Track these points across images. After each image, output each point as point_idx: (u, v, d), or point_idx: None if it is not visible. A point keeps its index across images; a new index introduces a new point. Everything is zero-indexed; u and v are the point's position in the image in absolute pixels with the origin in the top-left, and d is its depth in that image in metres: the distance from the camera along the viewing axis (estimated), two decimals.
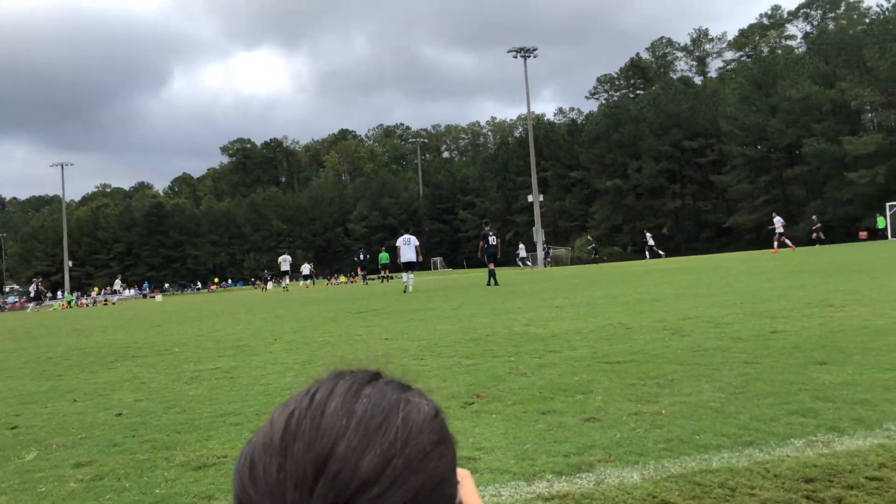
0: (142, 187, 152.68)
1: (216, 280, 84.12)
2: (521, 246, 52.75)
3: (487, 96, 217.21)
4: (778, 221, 33.93)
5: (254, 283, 79.36)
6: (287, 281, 41.47)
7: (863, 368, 4.90)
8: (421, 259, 22.58)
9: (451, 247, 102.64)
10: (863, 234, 49.72)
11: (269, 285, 52.10)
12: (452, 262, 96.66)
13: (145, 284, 78.11)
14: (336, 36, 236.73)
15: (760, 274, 16.24)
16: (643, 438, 3.62)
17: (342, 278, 55.27)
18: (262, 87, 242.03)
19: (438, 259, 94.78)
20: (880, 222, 44.54)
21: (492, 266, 21.81)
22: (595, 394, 4.72)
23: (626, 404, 4.37)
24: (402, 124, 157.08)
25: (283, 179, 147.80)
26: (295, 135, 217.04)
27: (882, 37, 53.97)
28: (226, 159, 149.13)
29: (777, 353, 5.77)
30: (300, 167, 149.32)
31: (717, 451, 3.35)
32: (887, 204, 47.05)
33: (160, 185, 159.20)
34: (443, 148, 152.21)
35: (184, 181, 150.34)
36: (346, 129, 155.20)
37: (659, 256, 44.43)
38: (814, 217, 40.47)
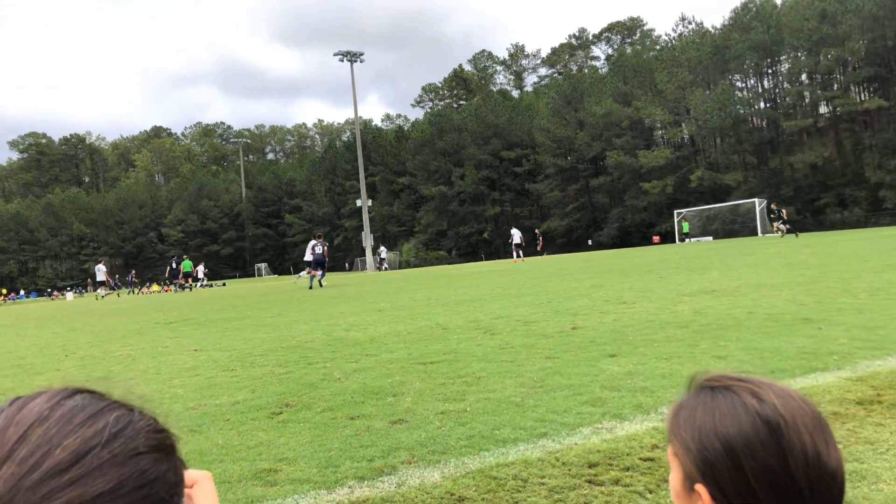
0: None
1: (3, 291, 74.35)
2: (382, 248, 53.63)
3: (312, 97, 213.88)
4: (516, 234, 37.15)
5: (49, 294, 71.23)
6: (103, 291, 38.58)
7: (645, 359, 5.40)
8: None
9: (277, 252, 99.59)
10: (656, 239, 55.52)
11: (69, 295, 47.20)
12: (278, 269, 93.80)
13: None
14: (144, 24, 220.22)
15: (568, 275, 17.47)
16: (447, 437, 3.68)
17: (155, 287, 51.36)
18: (53, 75, 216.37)
19: (263, 265, 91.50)
20: (685, 227, 49.69)
21: (318, 271, 23.71)
22: (406, 395, 4.75)
23: (435, 404, 4.43)
24: (222, 123, 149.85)
25: (87, 179, 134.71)
26: (98, 130, 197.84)
27: (670, 62, 60.74)
28: (15, 155, 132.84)
29: (576, 347, 6.19)
30: (107, 166, 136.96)
31: (515, 444, 3.49)
32: (675, 211, 52.96)
33: None
34: (268, 149, 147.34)
35: None
36: (160, 127, 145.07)
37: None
38: (537, 231, 44.36)
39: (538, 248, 46.71)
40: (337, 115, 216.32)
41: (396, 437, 3.74)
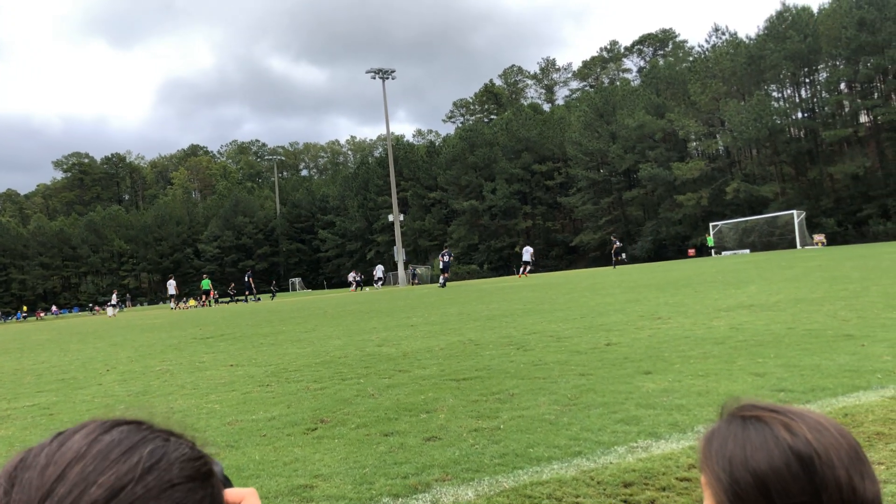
0: None
1: (44, 306, 76.28)
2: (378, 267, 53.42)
3: (342, 113, 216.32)
4: (527, 251, 37.58)
5: (91, 309, 72.98)
6: (173, 304, 42.63)
7: (681, 376, 5.33)
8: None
9: (311, 267, 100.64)
10: (691, 252, 54.72)
11: (111, 311, 48.81)
12: (312, 283, 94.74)
13: None
14: (175, 43, 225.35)
15: (602, 289, 17.31)
16: (481, 454, 3.68)
17: (192, 302, 52.30)
18: (93, 96, 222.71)
19: (297, 280, 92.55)
20: (709, 241, 49.10)
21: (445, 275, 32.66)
22: (439, 412, 4.76)
23: (468, 421, 4.44)
24: (257, 140, 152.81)
25: (127, 197, 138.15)
26: (135, 149, 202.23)
27: (703, 74, 60.08)
28: (59, 175, 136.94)
29: (610, 364, 6.14)
30: (146, 184, 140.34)
31: (549, 462, 3.48)
32: (710, 224, 52.16)
33: None
34: (301, 166, 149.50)
35: (8, 198, 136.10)
36: (197, 145, 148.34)
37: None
38: (613, 237, 43.42)
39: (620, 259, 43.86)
40: (366, 130, 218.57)
41: (430, 455, 3.75)
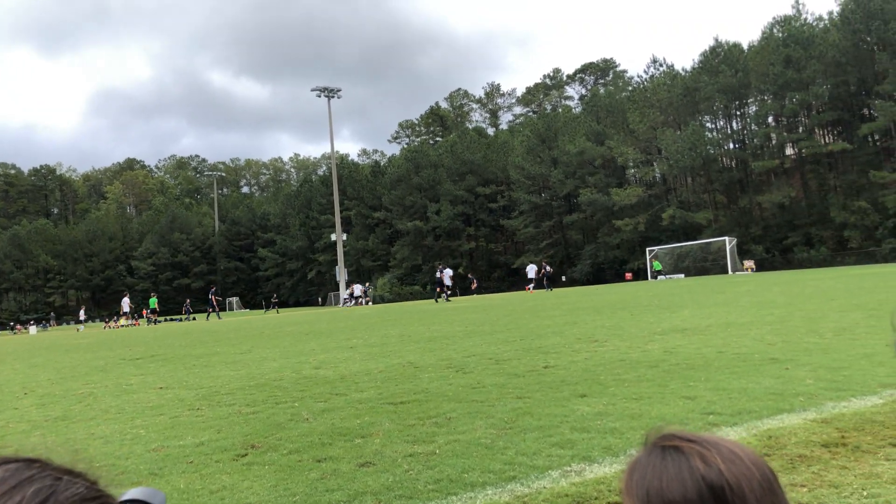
0: None
1: None
2: (354, 285, 53.80)
3: (284, 129, 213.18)
4: (447, 274, 38.44)
5: (12, 328, 69.34)
6: (126, 321, 43.19)
7: (616, 399, 5.40)
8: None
9: (249, 286, 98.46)
10: (629, 276, 56.04)
11: (33, 329, 46.95)
12: (250, 303, 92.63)
13: None
14: (109, 53, 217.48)
15: (542, 311, 17.51)
16: (415, 480, 3.62)
17: (123, 321, 50.41)
18: (19, 105, 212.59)
19: (235, 299, 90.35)
20: (657, 265, 50.35)
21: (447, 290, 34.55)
22: (374, 437, 4.68)
23: (404, 446, 4.37)
24: (197, 156, 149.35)
25: (56, 211, 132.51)
26: (66, 160, 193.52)
27: (641, 103, 62.14)
28: None
29: (547, 387, 6.18)
30: (77, 198, 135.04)
31: (483, 488, 3.45)
32: (647, 248, 53.62)
33: None
34: (242, 182, 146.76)
35: None
36: (134, 159, 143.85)
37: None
38: (544, 263, 44.67)
39: (471, 287, 48.91)
40: (310, 148, 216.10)
41: (363, 481, 3.67)
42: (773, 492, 0.86)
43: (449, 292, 37.53)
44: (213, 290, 48.48)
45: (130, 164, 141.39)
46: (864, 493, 3.03)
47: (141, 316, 51.78)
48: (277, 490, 3.63)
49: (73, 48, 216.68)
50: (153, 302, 44.65)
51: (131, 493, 0.73)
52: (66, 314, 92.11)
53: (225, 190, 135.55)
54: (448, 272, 38.32)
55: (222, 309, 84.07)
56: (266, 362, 10.14)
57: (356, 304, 49.12)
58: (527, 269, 43.32)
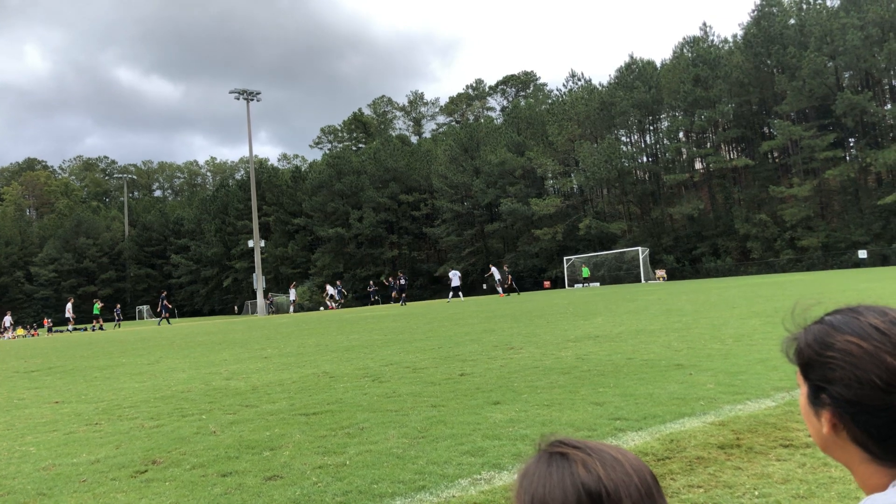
0: None
1: None
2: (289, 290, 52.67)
3: (198, 131, 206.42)
4: (455, 275, 38.55)
5: None
6: (71, 327, 43.26)
7: (528, 406, 5.47)
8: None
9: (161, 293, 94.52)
10: (547, 284, 57.30)
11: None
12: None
13: None
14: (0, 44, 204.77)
15: (461, 319, 17.62)
16: (323, 493, 3.54)
17: (20, 331, 47.38)
18: None
19: (145, 308, 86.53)
20: (585, 271, 51.82)
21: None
22: (284, 449, 4.55)
23: (314, 457, 4.27)
24: (106, 157, 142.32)
25: None
26: None
27: (560, 116, 63.89)
28: None
29: (462, 395, 6.20)
30: None
31: (392, 499, 3.41)
32: (565, 258, 55.04)
33: None
34: (155, 186, 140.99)
35: None
36: (34, 159, 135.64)
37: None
38: (505, 268, 45.31)
39: (393, 296, 48.03)
40: (226, 151, 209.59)
41: (269, 495, 3.56)
42: (650, 496, 0.88)
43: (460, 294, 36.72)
44: (163, 294, 46.04)
45: (31, 163, 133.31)
46: (756, 493, 3.18)
47: (41, 325, 49.43)
48: None
49: None
50: (96, 308, 44.58)
51: None
52: None
53: (136, 193, 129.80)
54: (456, 273, 37.29)
55: (130, 319, 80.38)
56: (174, 373, 9.73)
57: (330, 304, 47.67)
58: (450, 276, 42.73)
